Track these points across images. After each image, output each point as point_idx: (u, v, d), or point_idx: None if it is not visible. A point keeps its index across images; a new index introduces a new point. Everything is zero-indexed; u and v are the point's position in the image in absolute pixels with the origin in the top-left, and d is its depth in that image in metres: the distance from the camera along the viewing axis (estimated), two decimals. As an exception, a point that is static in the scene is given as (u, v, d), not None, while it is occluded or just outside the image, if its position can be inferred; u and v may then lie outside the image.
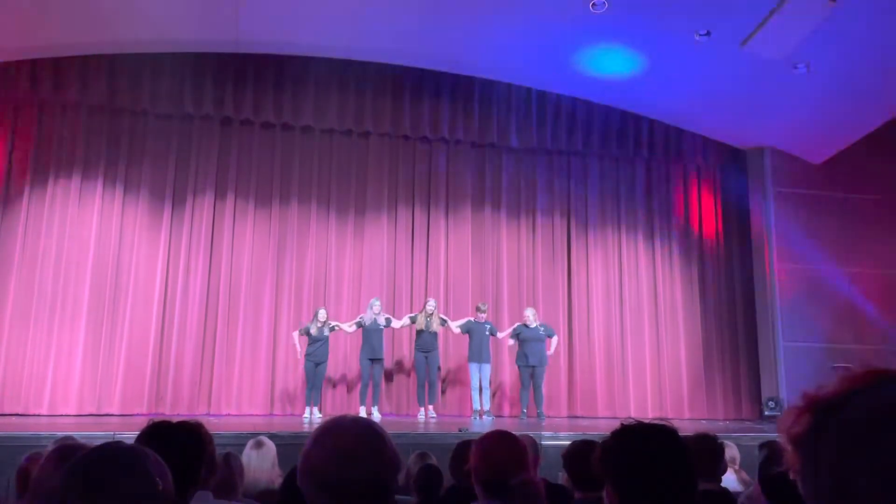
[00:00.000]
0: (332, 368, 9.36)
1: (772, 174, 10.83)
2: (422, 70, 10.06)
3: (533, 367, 9.09)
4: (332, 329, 8.83)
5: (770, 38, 8.30)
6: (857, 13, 7.80)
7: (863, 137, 10.21)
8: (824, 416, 0.69)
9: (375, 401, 8.89)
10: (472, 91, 10.25)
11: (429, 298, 9.24)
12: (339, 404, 9.32)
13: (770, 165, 10.86)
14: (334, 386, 9.52)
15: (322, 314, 8.77)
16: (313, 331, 8.67)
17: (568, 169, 10.84)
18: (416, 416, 9.08)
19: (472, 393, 9.05)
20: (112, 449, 1.22)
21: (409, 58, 9.86)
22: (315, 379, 8.65)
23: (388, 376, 9.65)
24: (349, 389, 9.55)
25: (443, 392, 9.75)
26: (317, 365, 8.65)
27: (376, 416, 8.63)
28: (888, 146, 10.50)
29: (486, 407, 9.03)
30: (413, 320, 9.08)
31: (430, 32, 9.12)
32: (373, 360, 8.81)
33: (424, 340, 8.97)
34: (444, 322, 9.15)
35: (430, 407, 9.05)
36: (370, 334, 8.80)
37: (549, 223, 10.63)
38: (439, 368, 9.37)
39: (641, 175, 11.06)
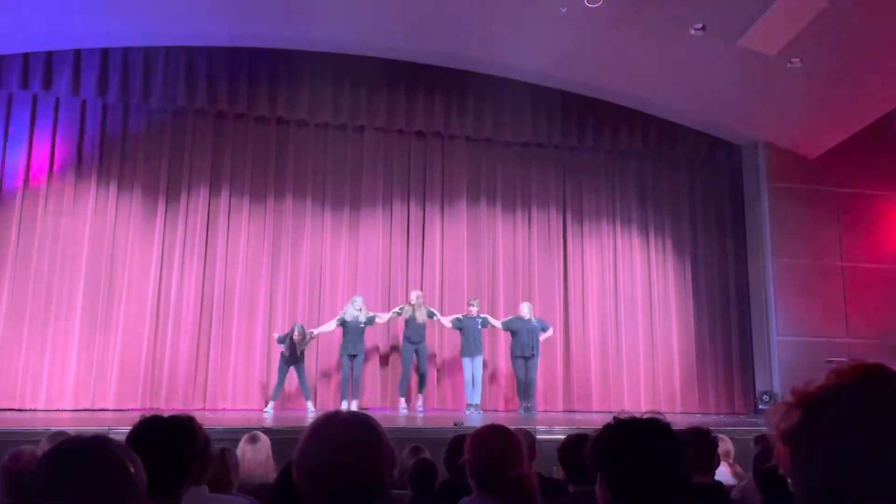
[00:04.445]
0: (323, 363, 9.41)
1: (766, 169, 10.84)
2: (416, 64, 10.02)
3: (525, 358, 9.12)
4: (312, 336, 8.89)
5: (765, 32, 8.30)
6: (852, 7, 7.80)
7: (857, 132, 10.22)
8: (813, 411, 0.69)
9: (355, 395, 8.89)
10: (467, 85, 10.22)
11: (412, 290, 9.29)
12: (335, 399, 9.31)
13: (764, 160, 10.88)
14: (328, 379, 9.53)
15: (307, 335, 8.79)
16: (300, 347, 8.75)
17: (563, 163, 10.84)
18: (413, 409, 9.09)
19: (466, 388, 9.10)
20: (77, 441, 1.24)
21: (404, 52, 9.84)
22: (298, 377, 8.82)
23: (384, 371, 9.66)
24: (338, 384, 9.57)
25: (437, 385, 9.78)
26: (293, 364, 8.75)
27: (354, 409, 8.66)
28: (883, 141, 10.52)
29: (477, 401, 9.06)
30: (400, 312, 9.13)
31: (424, 26, 9.09)
32: (352, 356, 8.87)
33: (412, 331, 9.04)
34: (431, 314, 9.18)
35: (421, 398, 9.08)
36: (350, 330, 8.84)
37: (545, 218, 10.63)
38: (433, 357, 9.43)
39: (636, 169, 11.07)
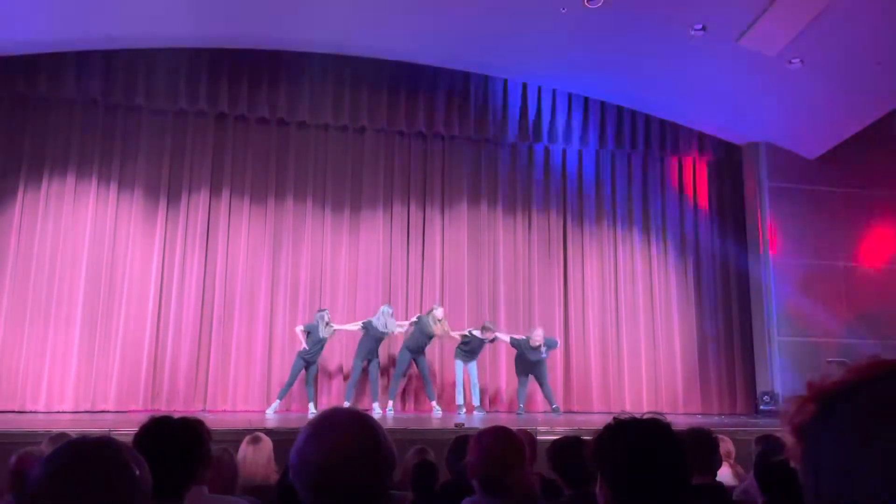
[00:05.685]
0: (333, 365, 9.41)
1: (767, 169, 10.83)
2: (417, 65, 10.03)
3: (531, 374, 9.13)
4: (332, 333, 8.78)
5: (765, 32, 8.30)
6: (852, 7, 7.80)
7: (858, 132, 10.22)
8: (829, 406, 0.68)
9: (375, 396, 8.89)
10: (468, 86, 10.23)
11: (437, 305, 9.11)
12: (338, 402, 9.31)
13: (765, 160, 10.87)
14: (330, 379, 9.53)
15: (327, 315, 8.72)
16: (322, 333, 8.62)
17: (564, 164, 10.83)
18: (429, 411, 9.06)
19: (457, 388, 9.06)
20: (82, 443, 1.24)
21: (405, 53, 9.84)
22: (307, 376, 8.71)
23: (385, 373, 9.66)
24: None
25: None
26: (308, 365, 8.68)
27: (377, 412, 8.62)
28: (883, 141, 10.51)
29: (477, 402, 9.04)
30: (419, 321, 8.94)
31: (425, 28, 9.09)
32: (370, 360, 8.87)
33: (417, 341, 8.89)
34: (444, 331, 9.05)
35: (435, 404, 9.03)
36: (373, 337, 8.79)
37: (545, 218, 10.62)
38: (431, 363, 9.43)
39: (637, 170, 11.06)
